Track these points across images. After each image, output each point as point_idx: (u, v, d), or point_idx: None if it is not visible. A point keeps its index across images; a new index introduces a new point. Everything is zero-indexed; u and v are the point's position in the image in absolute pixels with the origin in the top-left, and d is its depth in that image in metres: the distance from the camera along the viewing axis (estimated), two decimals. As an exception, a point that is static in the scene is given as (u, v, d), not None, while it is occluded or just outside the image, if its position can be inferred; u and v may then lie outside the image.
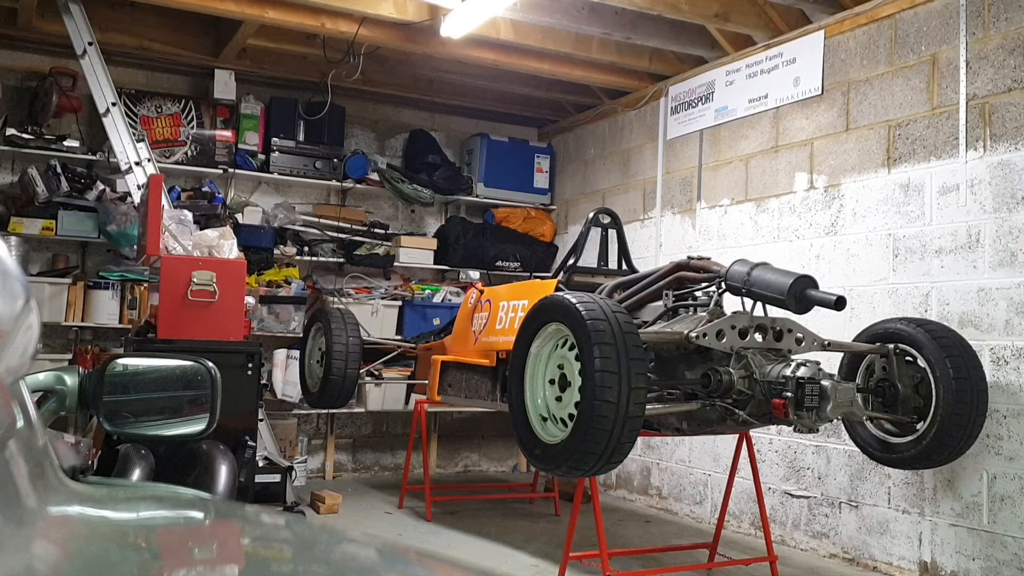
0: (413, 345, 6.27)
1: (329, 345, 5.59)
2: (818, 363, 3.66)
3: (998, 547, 4.16)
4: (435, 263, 7.39)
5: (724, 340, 3.62)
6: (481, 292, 5.20)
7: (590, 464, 3.36)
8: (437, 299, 7.22)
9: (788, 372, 3.56)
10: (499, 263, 7.47)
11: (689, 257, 4.25)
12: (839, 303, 3.57)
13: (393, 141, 7.77)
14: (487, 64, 6.37)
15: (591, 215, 4.95)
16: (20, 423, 0.90)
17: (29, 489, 0.82)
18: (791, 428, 3.72)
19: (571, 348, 3.51)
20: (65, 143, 6.22)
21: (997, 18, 4.33)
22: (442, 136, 7.84)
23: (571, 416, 3.43)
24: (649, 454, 6.31)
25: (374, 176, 7.24)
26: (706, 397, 3.67)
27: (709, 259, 4.13)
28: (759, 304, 3.82)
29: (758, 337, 3.74)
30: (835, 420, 3.70)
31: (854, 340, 4.20)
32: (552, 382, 3.67)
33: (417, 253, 7.31)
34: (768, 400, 3.57)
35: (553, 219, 7.84)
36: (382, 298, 7.12)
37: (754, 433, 5.48)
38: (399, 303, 7.13)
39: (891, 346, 3.96)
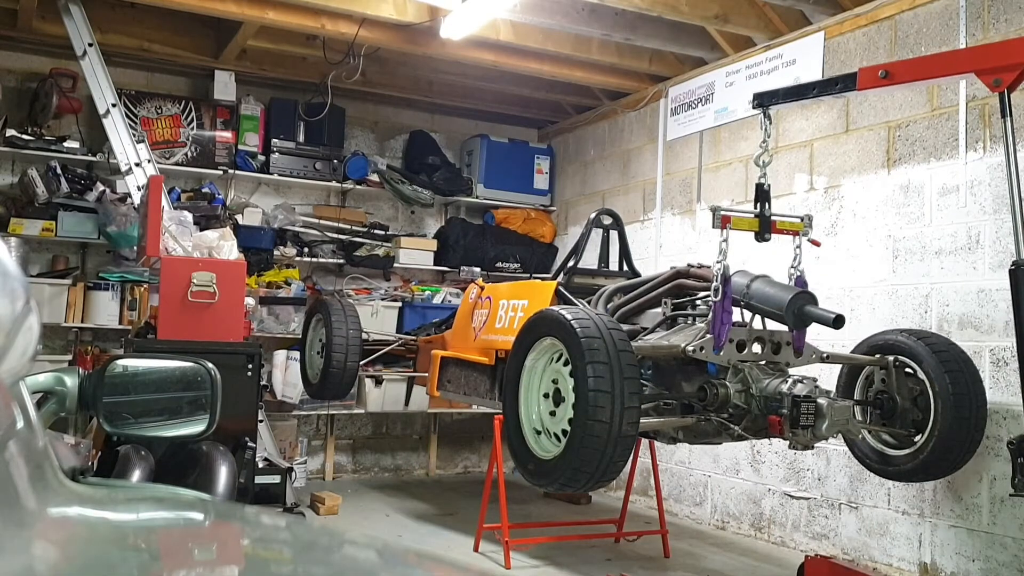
0: (414, 338, 6.26)
1: (329, 337, 5.56)
2: (815, 380, 3.64)
3: (998, 548, 4.16)
4: (435, 264, 7.39)
5: (721, 353, 3.59)
6: (482, 288, 5.19)
7: (583, 481, 3.36)
8: (437, 300, 7.22)
9: (784, 388, 3.54)
10: (499, 264, 7.47)
11: (689, 265, 4.23)
12: (837, 322, 3.52)
13: (393, 142, 7.77)
14: (487, 65, 6.38)
15: (593, 216, 4.95)
16: (20, 424, 0.90)
17: (29, 490, 0.82)
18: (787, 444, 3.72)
19: (566, 363, 3.49)
20: (65, 144, 6.23)
21: (997, 19, 4.34)
22: (442, 137, 7.84)
23: (564, 432, 3.43)
24: (649, 456, 6.31)
25: (374, 177, 7.24)
26: (702, 411, 3.65)
27: (709, 267, 4.11)
28: (757, 316, 3.81)
29: (756, 349, 3.72)
30: (831, 438, 3.69)
31: (853, 350, 4.19)
32: (546, 396, 3.66)
33: (417, 254, 7.31)
34: (764, 416, 3.56)
35: (553, 220, 7.84)
36: (382, 299, 7.12)
37: (754, 434, 5.49)
38: (399, 304, 7.13)
39: (890, 359, 3.94)
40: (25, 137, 6.13)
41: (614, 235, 5.08)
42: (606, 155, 7.29)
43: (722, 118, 5.91)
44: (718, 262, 3.57)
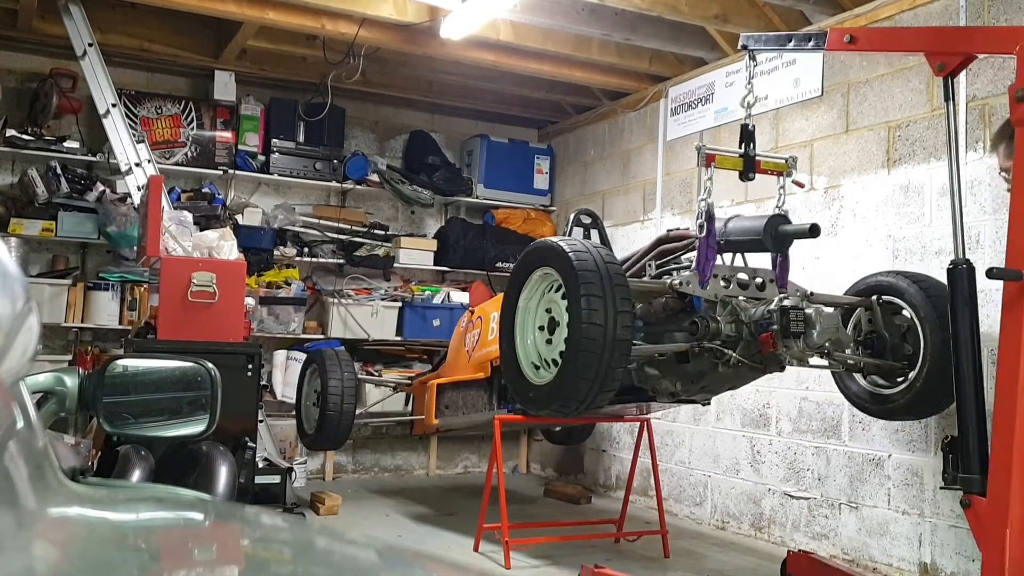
0: (409, 382, 6.25)
1: (324, 383, 5.55)
2: (800, 296, 3.70)
3: (998, 548, 4.16)
4: (435, 264, 7.39)
5: (708, 288, 3.65)
6: (472, 312, 5.31)
7: (583, 392, 3.37)
8: (437, 300, 7.22)
9: (773, 306, 3.60)
10: (499, 264, 7.47)
11: (668, 230, 4.32)
12: (813, 230, 3.61)
13: (393, 142, 7.77)
14: (487, 65, 6.38)
15: (572, 215, 5.01)
16: (20, 424, 0.90)
17: (29, 490, 0.82)
18: (782, 369, 3.74)
19: (558, 290, 3.57)
20: (65, 144, 6.22)
21: (997, 19, 4.34)
22: (442, 137, 7.84)
23: (561, 354, 3.48)
24: (649, 455, 6.31)
25: (374, 177, 7.24)
26: (696, 343, 3.68)
27: (687, 229, 4.18)
28: (739, 260, 3.89)
29: (742, 291, 3.79)
30: (824, 347, 3.68)
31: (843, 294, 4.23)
32: (542, 328, 3.72)
33: (417, 254, 7.31)
34: (756, 339, 3.59)
35: (553, 220, 7.84)
36: (382, 299, 7.12)
37: (754, 434, 5.49)
38: (399, 304, 7.13)
39: (874, 298, 3.99)
40: (25, 137, 6.13)
41: (599, 236, 5.13)
42: (606, 155, 7.29)
43: (722, 118, 5.90)
44: (702, 200, 3.65)
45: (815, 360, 3.95)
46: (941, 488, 3.62)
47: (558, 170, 7.89)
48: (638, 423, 5.22)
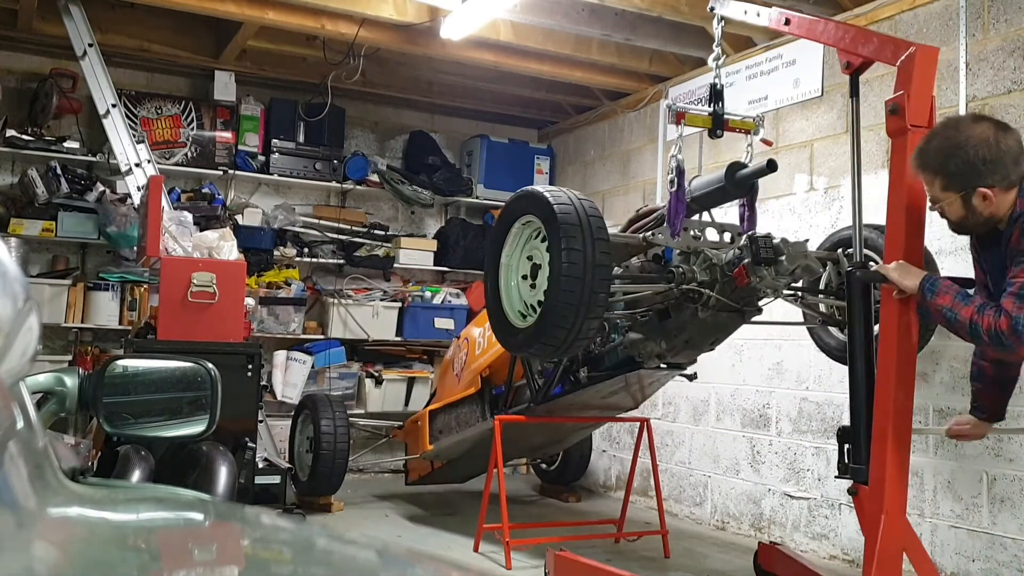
0: (401, 425, 6.24)
1: (317, 424, 5.54)
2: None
3: (998, 548, 4.16)
4: (435, 264, 7.39)
5: (679, 240, 3.76)
6: (457, 338, 5.44)
7: (570, 320, 3.42)
8: (437, 301, 7.22)
9: (743, 242, 3.71)
10: (499, 264, 7.47)
11: (637, 210, 4.45)
12: (770, 165, 3.73)
13: (393, 142, 7.77)
14: (487, 66, 6.38)
15: None
16: (20, 424, 0.90)
17: (29, 491, 0.82)
18: (759, 310, 3.81)
19: (537, 236, 3.67)
20: (65, 144, 6.23)
21: (997, 19, 4.34)
22: (442, 137, 7.84)
23: (545, 293, 3.55)
24: (649, 455, 6.31)
25: (374, 177, 7.24)
26: (675, 285, 3.74)
27: (656, 204, 4.35)
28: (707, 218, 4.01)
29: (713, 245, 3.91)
30: (795, 273, 3.74)
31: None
32: (525, 277, 3.79)
33: (417, 255, 7.31)
34: (731, 278, 3.67)
35: (553, 220, 7.84)
36: (382, 299, 7.12)
37: (754, 434, 5.49)
38: (399, 304, 7.13)
39: (840, 250, 4.06)
40: (25, 137, 6.13)
41: None
42: (606, 155, 7.29)
43: (722, 118, 5.89)
44: (672, 156, 3.80)
45: (793, 315, 3.99)
46: (836, 477, 3.69)
47: (558, 170, 7.89)
48: (638, 423, 5.22)
